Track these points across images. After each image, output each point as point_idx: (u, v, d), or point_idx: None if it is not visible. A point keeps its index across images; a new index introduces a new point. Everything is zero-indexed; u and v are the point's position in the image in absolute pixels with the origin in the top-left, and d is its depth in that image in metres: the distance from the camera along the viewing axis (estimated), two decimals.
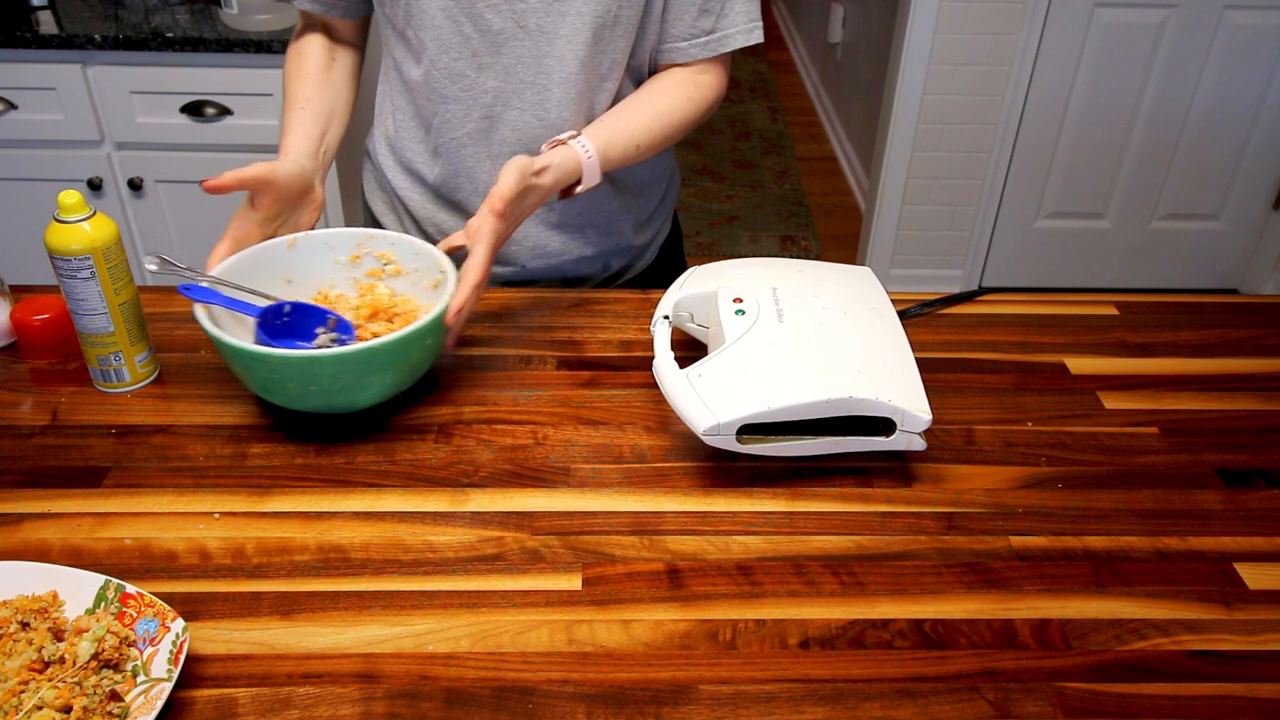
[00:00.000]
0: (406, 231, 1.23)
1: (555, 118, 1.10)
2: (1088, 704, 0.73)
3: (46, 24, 2.04)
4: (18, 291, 1.13)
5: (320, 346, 1.00)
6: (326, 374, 0.90)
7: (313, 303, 1.03)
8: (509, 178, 0.97)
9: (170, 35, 2.00)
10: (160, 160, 2.15)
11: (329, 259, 1.06)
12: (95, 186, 2.16)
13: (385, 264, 1.07)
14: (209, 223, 2.23)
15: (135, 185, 2.17)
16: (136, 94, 2.07)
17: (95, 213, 0.96)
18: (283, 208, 1.04)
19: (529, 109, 1.10)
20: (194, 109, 2.08)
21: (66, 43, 1.99)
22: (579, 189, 1.07)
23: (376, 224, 1.27)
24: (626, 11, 1.07)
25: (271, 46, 2.01)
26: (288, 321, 1.00)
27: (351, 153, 2.31)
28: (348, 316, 1.02)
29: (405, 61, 1.13)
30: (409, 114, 1.17)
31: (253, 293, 0.99)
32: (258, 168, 0.99)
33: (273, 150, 2.26)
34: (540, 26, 1.05)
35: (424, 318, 0.93)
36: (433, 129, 1.14)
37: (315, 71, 1.14)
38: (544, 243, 1.19)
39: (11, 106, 2.08)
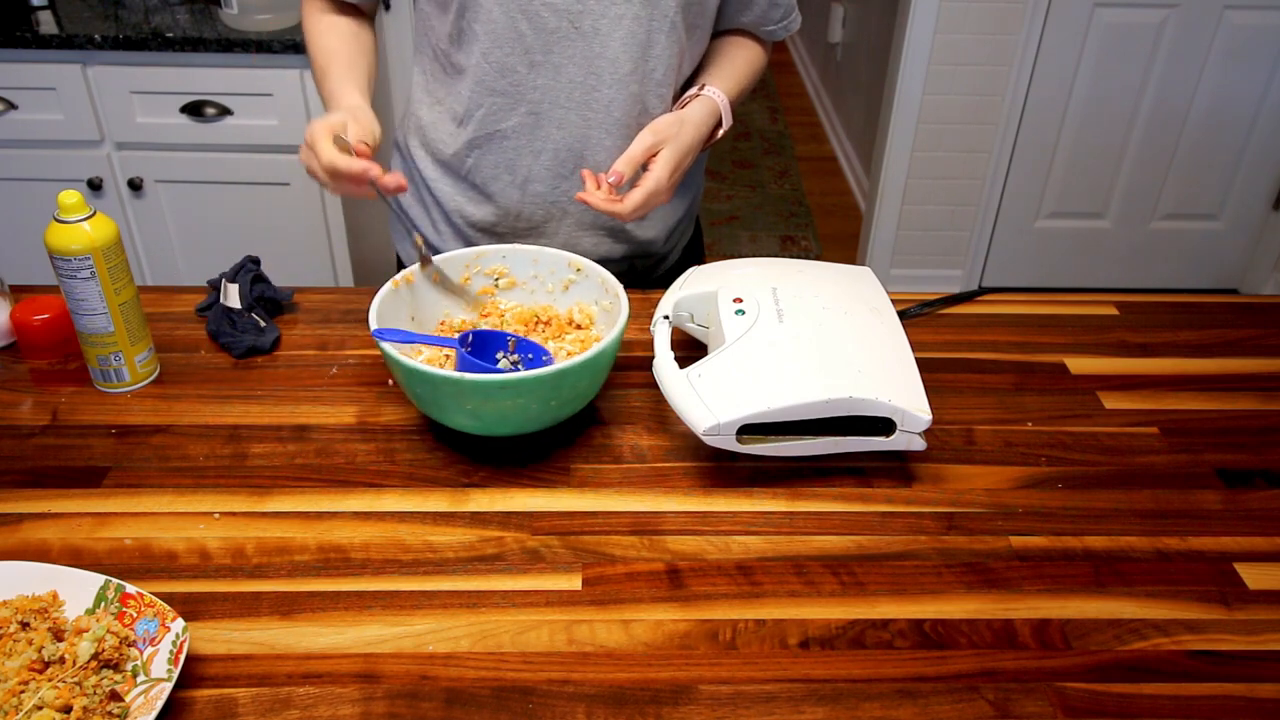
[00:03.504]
0: (433, 221, 1.23)
1: (603, 118, 1.11)
2: (1088, 704, 0.73)
3: (46, 24, 2.04)
4: (18, 291, 1.13)
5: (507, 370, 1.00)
6: (568, 384, 0.90)
7: (441, 333, 1.03)
8: (640, 139, 1.07)
9: (170, 35, 2.00)
10: (160, 160, 2.15)
11: (441, 286, 1.05)
12: (95, 186, 2.16)
13: (496, 279, 1.07)
14: (209, 223, 2.23)
15: (135, 185, 2.16)
16: (136, 94, 2.07)
17: (95, 213, 0.96)
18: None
19: (575, 108, 1.10)
20: (194, 109, 2.08)
21: (66, 43, 1.99)
22: (720, 131, 1.16)
23: (404, 215, 1.27)
24: (678, 16, 1.08)
25: (271, 46, 2.01)
26: (472, 351, 0.99)
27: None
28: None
29: (452, 51, 1.13)
30: (447, 105, 1.16)
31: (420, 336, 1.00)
32: (364, 135, 1.01)
33: (273, 150, 2.26)
34: (595, 28, 1.06)
35: (617, 324, 0.93)
36: (475, 120, 1.14)
37: (349, 42, 1.16)
38: (575, 242, 1.20)
39: (11, 106, 2.08)
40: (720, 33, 1.21)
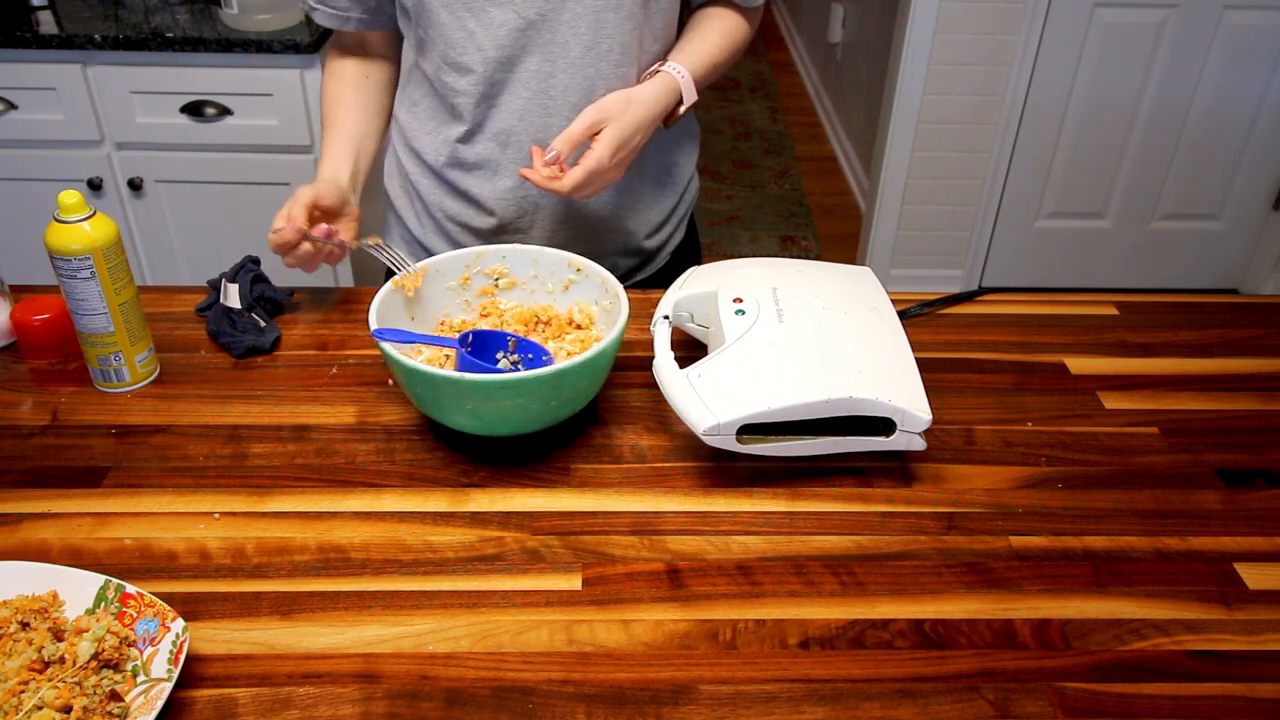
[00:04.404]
0: (417, 215, 1.25)
1: (561, 105, 1.11)
2: (1088, 704, 0.73)
3: (46, 24, 2.04)
4: (18, 291, 1.13)
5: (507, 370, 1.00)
6: (567, 384, 0.90)
7: (441, 333, 1.03)
8: (581, 117, 1.06)
9: (170, 35, 2.00)
10: (160, 160, 2.15)
11: (440, 287, 1.05)
12: (95, 186, 2.16)
13: (496, 279, 1.07)
14: (209, 223, 2.23)
15: (135, 185, 2.16)
16: (136, 94, 2.07)
17: (95, 213, 0.96)
18: (325, 221, 1.10)
19: (534, 98, 1.11)
20: (194, 109, 2.08)
21: (66, 43, 1.99)
22: (682, 109, 1.14)
23: (392, 205, 1.29)
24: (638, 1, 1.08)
25: (271, 46, 2.01)
26: (472, 351, 0.99)
27: None
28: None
29: (419, 59, 1.16)
30: (422, 104, 1.19)
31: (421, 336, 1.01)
32: (303, 198, 1.06)
33: (273, 150, 2.26)
34: (541, 15, 1.06)
35: (618, 323, 0.93)
36: (444, 120, 1.16)
37: (349, 93, 1.21)
38: (552, 236, 1.20)
39: (11, 106, 2.08)
40: (700, 4, 1.20)
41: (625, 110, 1.07)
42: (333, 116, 1.20)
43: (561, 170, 1.05)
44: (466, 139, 1.15)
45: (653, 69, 1.13)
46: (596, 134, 1.06)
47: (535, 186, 1.06)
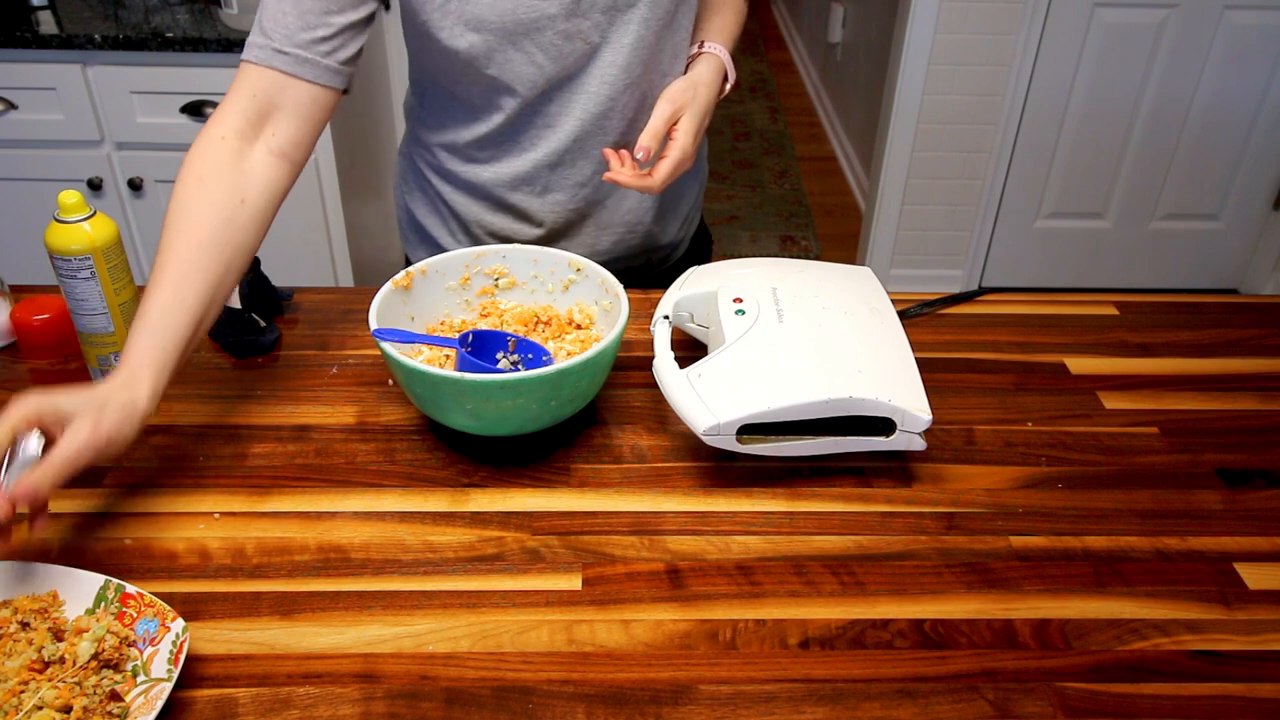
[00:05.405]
0: (451, 232, 1.23)
1: (616, 123, 1.11)
2: (1088, 704, 0.73)
3: (46, 24, 2.04)
4: (18, 291, 1.13)
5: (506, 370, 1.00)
6: (569, 384, 0.90)
7: (441, 333, 1.03)
8: (661, 107, 1.07)
9: (170, 35, 2.00)
10: (160, 160, 2.15)
11: (440, 287, 1.05)
12: (95, 186, 2.16)
13: (496, 279, 1.07)
14: None
15: (135, 185, 2.17)
16: (136, 94, 2.07)
17: (95, 213, 0.96)
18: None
19: (590, 119, 1.10)
20: (194, 109, 2.08)
21: (66, 43, 1.99)
22: (728, 87, 1.16)
23: (416, 224, 1.26)
24: (684, 10, 1.09)
25: None
26: (472, 351, 0.99)
27: (361, 155, 2.31)
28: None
29: (464, 85, 1.09)
30: (457, 130, 1.14)
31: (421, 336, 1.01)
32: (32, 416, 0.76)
33: None
34: (605, 39, 1.06)
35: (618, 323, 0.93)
36: (491, 143, 1.13)
37: (208, 232, 0.91)
38: (595, 242, 1.20)
39: (11, 106, 2.08)
40: None
41: (695, 96, 1.08)
42: (168, 263, 0.88)
43: (635, 168, 1.05)
44: (516, 159, 1.13)
45: (694, 52, 1.14)
46: (674, 124, 1.07)
47: (624, 187, 1.06)
